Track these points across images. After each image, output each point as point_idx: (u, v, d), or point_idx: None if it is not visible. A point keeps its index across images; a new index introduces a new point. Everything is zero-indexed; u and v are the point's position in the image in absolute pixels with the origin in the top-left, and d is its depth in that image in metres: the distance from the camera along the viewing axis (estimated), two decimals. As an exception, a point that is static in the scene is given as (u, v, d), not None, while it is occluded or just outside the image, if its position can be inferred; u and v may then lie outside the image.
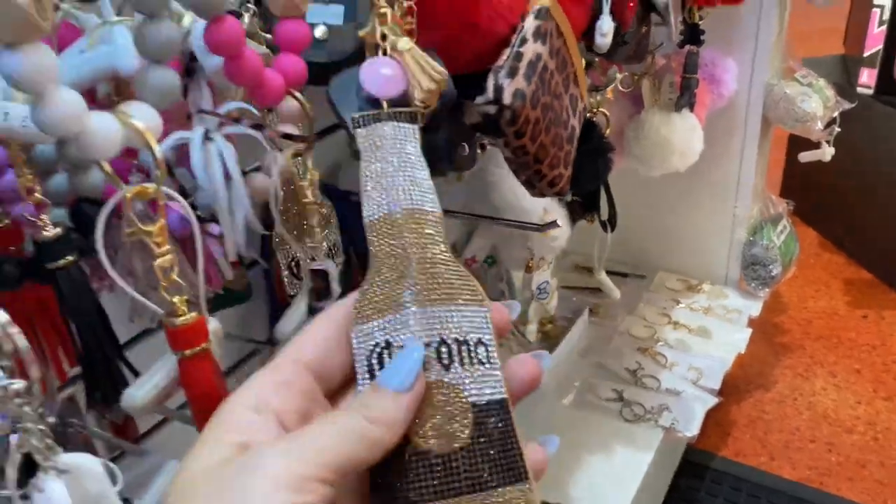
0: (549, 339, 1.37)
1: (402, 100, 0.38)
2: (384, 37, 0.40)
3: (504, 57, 0.56)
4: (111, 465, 0.34)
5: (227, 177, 0.43)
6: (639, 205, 1.53)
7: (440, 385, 0.30)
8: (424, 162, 0.35)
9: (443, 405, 0.29)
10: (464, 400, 0.30)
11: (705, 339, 1.38)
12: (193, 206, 0.44)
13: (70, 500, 0.30)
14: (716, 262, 1.52)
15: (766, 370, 1.60)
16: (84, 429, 0.72)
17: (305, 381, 0.29)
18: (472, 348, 0.31)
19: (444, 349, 0.30)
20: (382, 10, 0.39)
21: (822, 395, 1.53)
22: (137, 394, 0.39)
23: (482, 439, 0.29)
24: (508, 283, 0.94)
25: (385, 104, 0.36)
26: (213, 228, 0.43)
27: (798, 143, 1.44)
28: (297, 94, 0.42)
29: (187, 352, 0.38)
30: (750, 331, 1.40)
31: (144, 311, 0.58)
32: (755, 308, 1.45)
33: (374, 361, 0.30)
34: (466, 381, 0.30)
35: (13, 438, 0.29)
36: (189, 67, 0.41)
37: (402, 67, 0.40)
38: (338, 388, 0.30)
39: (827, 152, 1.38)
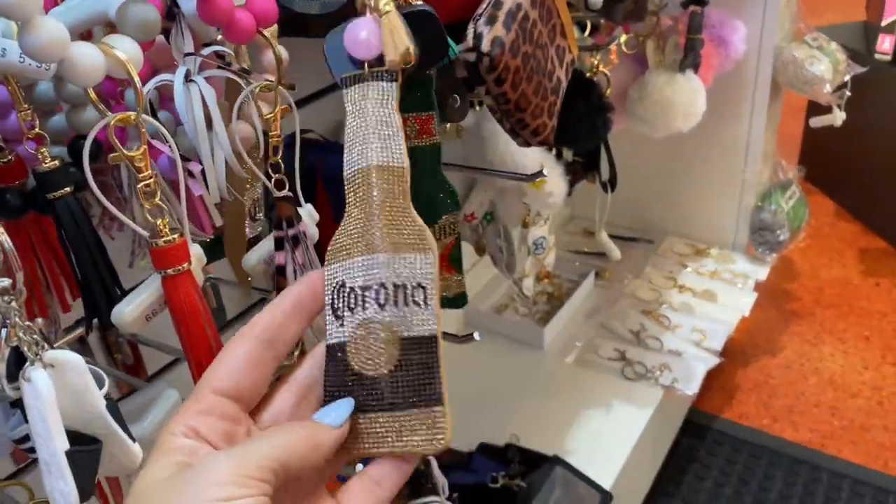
0: (555, 300, 1.40)
1: (382, 59, 0.41)
2: None
3: (484, 5, 0.58)
4: (97, 369, 0.37)
5: (209, 118, 0.45)
6: (649, 170, 1.54)
7: (374, 322, 0.35)
8: (397, 119, 0.39)
9: (377, 338, 0.35)
10: (395, 334, 0.35)
11: (710, 302, 1.39)
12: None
13: (54, 390, 0.33)
14: (725, 228, 1.53)
15: (774, 336, 1.60)
16: (94, 366, 0.76)
17: (224, 407, 0.33)
18: (408, 291, 0.36)
19: (382, 291, 0.36)
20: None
21: (829, 360, 1.54)
22: (125, 309, 0.42)
23: (406, 367, 0.35)
24: (507, 239, 0.97)
25: (366, 65, 0.40)
26: (194, 167, 0.46)
27: (816, 112, 1.43)
28: (266, 33, 0.44)
29: (170, 270, 0.41)
30: (755, 294, 1.41)
31: (142, 251, 0.61)
32: (762, 273, 1.46)
33: (335, 296, 0.36)
34: (398, 319, 0.35)
35: (2, 333, 0.33)
36: (171, 11, 0.43)
37: (380, 29, 0.42)
38: (259, 402, 0.35)
39: (838, 116, 1.38)
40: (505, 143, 0.86)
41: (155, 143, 0.47)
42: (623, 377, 1.22)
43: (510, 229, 0.96)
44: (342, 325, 0.35)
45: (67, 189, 0.46)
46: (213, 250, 0.77)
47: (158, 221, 0.40)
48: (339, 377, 0.35)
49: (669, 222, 1.59)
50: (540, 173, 0.70)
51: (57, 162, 0.46)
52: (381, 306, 0.35)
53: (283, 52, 0.50)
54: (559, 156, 1.01)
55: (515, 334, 1.32)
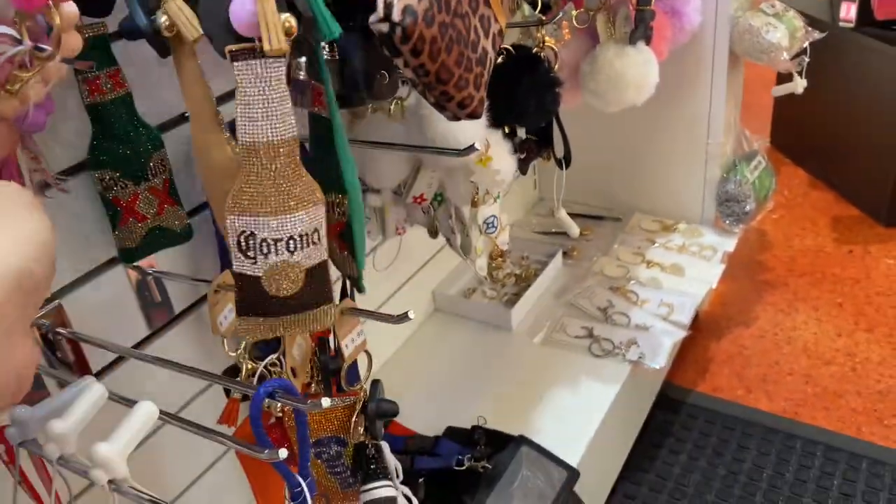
0: (523, 282, 1.39)
1: None
2: None
3: (394, -25, 0.56)
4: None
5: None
6: (615, 148, 1.53)
7: (285, 263, 0.49)
8: (286, 93, 0.46)
9: (288, 273, 0.49)
10: (301, 268, 0.50)
11: (678, 276, 1.38)
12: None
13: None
14: (692, 202, 1.52)
15: (747, 307, 1.60)
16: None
17: None
18: (309, 235, 0.49)
19: (291, 242, 0.49)
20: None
21: (802, 329, 1.54)
22: None
23: (309, 286, 0.50)
24: (459, 219, 0.96)
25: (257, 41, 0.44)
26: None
27: (786, 82, 1.42)
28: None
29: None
30: (723, 266, 1.40)
31: None
32: (730, 244, 1.46)
33: (242, 242, 0.48)
34: (304, 258, 0.50)
35: None
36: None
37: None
38: None
39: (799, 84, 1.37)
40: (446, 120, 0.85)
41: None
42: (590, 354, 1.22)
43: (462, 209, 0.95)
44: (255, 262, 0.48)
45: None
46: (154, 242, 0.76)
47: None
48: (257, 298, 0.49)
49: (637, 199, 1.58)
50: (472, 148, 0.69)
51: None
52: (291, 252, 0.48)
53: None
54: (513, 134, 0.99)
55: (483, 317, 1.32)
